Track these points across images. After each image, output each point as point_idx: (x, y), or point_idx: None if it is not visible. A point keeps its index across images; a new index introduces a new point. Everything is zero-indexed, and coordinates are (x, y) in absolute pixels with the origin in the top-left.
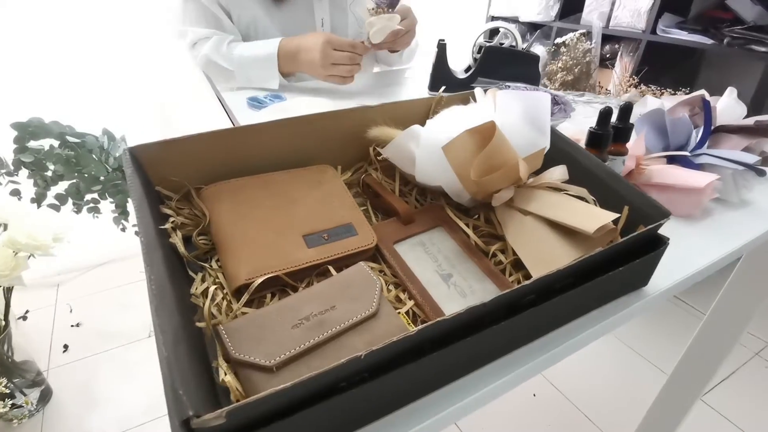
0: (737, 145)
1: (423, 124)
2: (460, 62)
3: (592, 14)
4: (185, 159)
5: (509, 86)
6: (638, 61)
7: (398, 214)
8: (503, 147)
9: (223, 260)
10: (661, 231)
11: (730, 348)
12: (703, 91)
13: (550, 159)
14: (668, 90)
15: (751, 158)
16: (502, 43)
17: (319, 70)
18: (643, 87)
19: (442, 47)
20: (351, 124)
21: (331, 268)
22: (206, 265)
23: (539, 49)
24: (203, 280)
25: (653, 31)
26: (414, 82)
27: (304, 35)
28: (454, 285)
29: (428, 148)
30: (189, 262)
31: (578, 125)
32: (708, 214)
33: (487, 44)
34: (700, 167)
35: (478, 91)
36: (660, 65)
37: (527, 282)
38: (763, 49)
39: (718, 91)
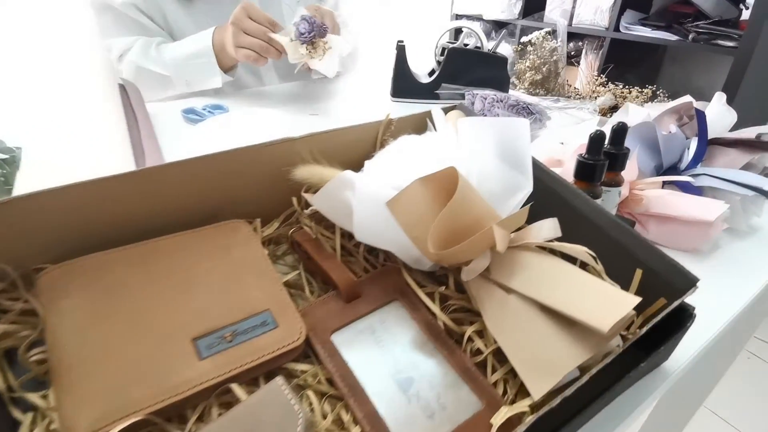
0: (736, 161)
1: (368, 158)
2: (424, 64)
3: (555, 12)
4: (30, 226)
5: (476, 93)
6: (603, 58)
7: (338, 288)
8: (471, 203)
9: (57, 397)
10: None
11: None
12: (688, 98)
13: (532, 202)
14: (635, 88)
15: (761, 180)
16: (467, 44)
17: (230, 38)
18: (611, 85)
19: (401, 49)
20: (275, 162)
21: (236, 387)
22: (39, 400)
23: (505, 48)
24: (33, 426)
25: (616, 29)
26: (377, 88)
27: None
28: (416, 397)
29: (368, 203)
30: (12, 398)
31: (554, 134)
32: (715, 246)
33: (451, 45)
34: (700, 190)
35: (436, 111)
36: (625, 62)
37: (528, 419)
38: (729, 43)
39: (682, 87)
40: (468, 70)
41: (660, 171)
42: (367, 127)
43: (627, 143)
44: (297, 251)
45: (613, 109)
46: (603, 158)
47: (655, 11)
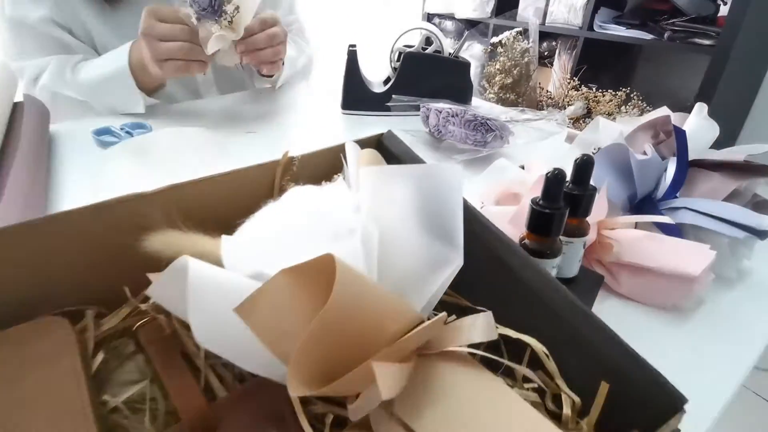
0: (720, 189)
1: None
2: (385, 71)
3: (528, 10)
4: None
5: (431, 107)
6: (577, 59)
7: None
8: (358, 306)
9: None
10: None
11: None
12: (665, 110)
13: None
14: (609, 91)
15: (754, 218)
16: (425, 48)
17: (147, 53)
18: (584, 89)
19: (351, 55)
20: (116, 227)
21: None
22: None
23: (476, 48)
24: None
25: (590, 27)
26: (330, 100)
27: None
28: None
29: (212, 300)
30: None
31: (517, 152)
32: (699, 300)
33: (407, 50)
34: (680, 231)
35: (350, 148)
36: (599, 62)
37: None
38: (707, 42)
39: (657, 87)
40: (426, 77)
41: (633, 201)
42: (257, 171)
43: (595, 168)
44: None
45: (587, 114)
46: (562, 205)
47: (629, 8)
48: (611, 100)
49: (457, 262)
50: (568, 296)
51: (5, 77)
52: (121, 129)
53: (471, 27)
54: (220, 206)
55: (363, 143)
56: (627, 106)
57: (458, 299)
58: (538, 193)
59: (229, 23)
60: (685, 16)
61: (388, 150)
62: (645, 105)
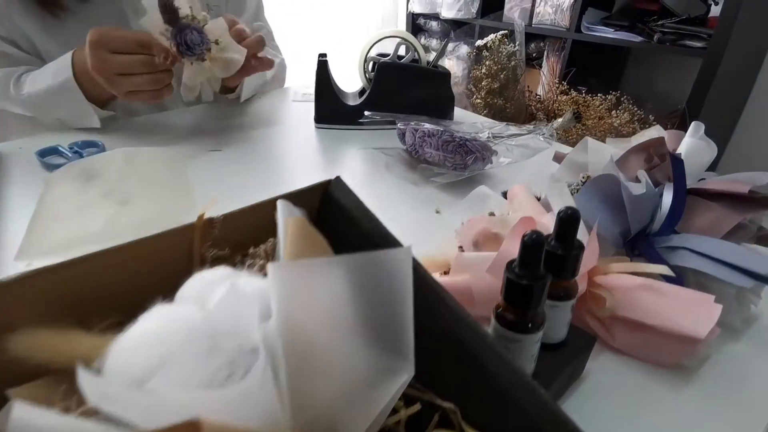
0: (723, 222)
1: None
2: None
3: (514, 11)
4: None
5: (407, 124)
6: (565, 61)
7: None
8: None
9: None
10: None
11: None
12: (659, 129)
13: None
14: (599, 95)
15: (765, 263)
16: (401, 57)
17: (108, 88)
18: (573, 93)
19: (322, 66)
20: None
21: None
22: None
23: (463, 49)
24: None
25: (578, 29)
26: (302, 111)
27: None
28: None
29: None
30: None
31: (502, 172)
32: (703, 354)
33: (381, 59)
34: (682, 276)
35: (282, 209)
36: (587, 64)
37: None
38: (698, 44)
39: (647, 88)
40: (403, 89)
41: (626, 237)
42: (169, 238)
43: (584, 200)
44: None
45: (577, 118)
46: (544, 273)
47: (617, 9)
48: (601, 104)
49: (406, 373)
50: (542, 398)
51: None
52: (70, 148)
53: (457, 27)
54: (122, 286)
55: (304, 195)
56: (618, 111)
57: (419, 391)
58: (518, 239)
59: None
60: (674, 17)
61: (337, 201)
62: (635, 109)
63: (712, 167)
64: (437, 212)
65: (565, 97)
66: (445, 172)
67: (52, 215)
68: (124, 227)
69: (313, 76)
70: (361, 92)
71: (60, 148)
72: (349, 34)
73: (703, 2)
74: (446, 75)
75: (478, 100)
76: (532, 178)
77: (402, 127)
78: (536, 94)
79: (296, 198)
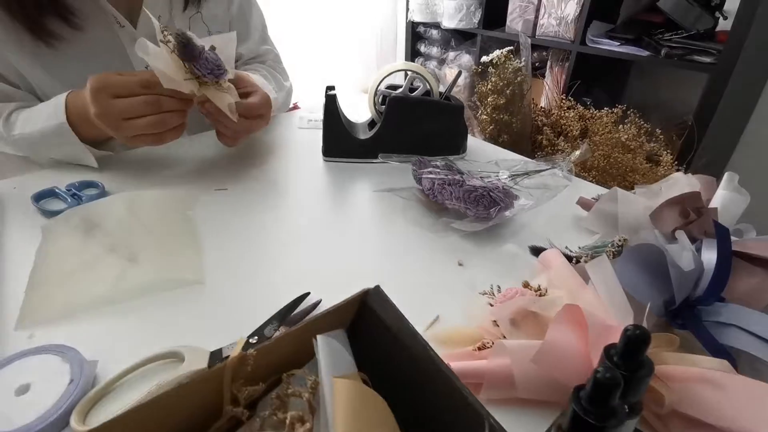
0: (766, 289)
1: None
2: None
3: (516, 23)
4: None
5: (424, 169)
6: (569, 73)
7: None
8: None
9: None
10: None
11: None
12: (690, 179)
13: None
14: (605, 109)
15: None
16: (413, 90)
17: (111, 133)
18: (580, 108)
19: (330, 100)
20: None
21: None
22: None
23: (465, 58)
24: None
25: (582, 41)
26: (309, 142)
27: None
28: None
29: None
30: None
31: (525, 218)
32: None
33: (394, 93)
34: (733, 355)
35: (322, 345)
36: (591, 76)
37: None
38: (707, 59)
39: (652, 100)
40: (415, 123)
41: (671, 307)
42: (199, 383)
43: (624, 267)
44: None
45: (584, 133)
46: (618, 406)
47: (621, 21)
48: (607, 116)
49: None
50: None
51: None
52: (68, 190)
53: (458, 36)
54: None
55: (340, 311)
56: (625, 125)
57: None
58: (562, 327)
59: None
60: (680, 29)
61: (374, 312)
62: (642, 122)
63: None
64: (459, 264)
65: (571, 112)
66: (466, 221)
67: (53, 274)
68: (131, 289)
69: (310, 93)
70: (371, 123)
71: (57, 191)
72: (346, 43)
73: (709, 15)
74: (459, 108)
75: (484, 116)
76: (554, 222)
77: (418, 170)
78: (541, 107)
79: (333, 317)
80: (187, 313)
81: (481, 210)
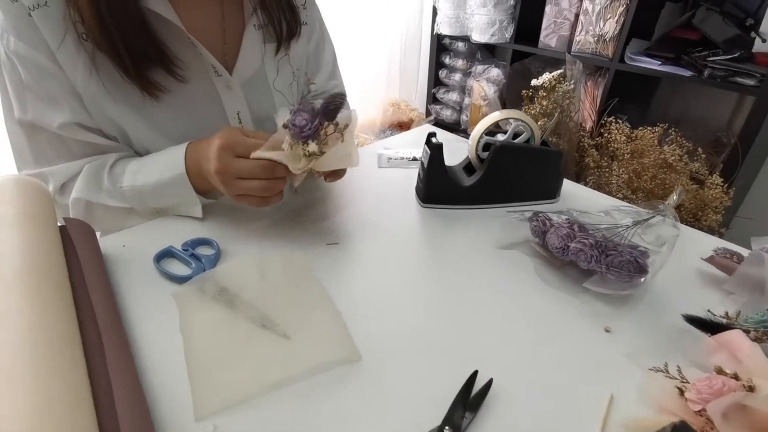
0: None
1: None
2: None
3: (551, 38)
4: None
5: (549, 226)
6: (607, 91)
7: None
8: None
9: None
10: None
11: None
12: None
13: None
14: (648, 128)
15: None
16: (516, 135)
17: (222, 188)
18: (624, 127)
19: (436, 149)
20: None
21: None
22: None
23: (493, 72)
24: None
25: (621, 59)
26: (396, 185)
27: (212, 136)
28: None
29: None
30: None
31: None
32: None
33: (499, 142)
34: None
35: None
36: (625, 92)
37: None
38: (750, 82)
39: (682, 115)
40: (515, 169)
41: None
42: None
43: None
44: None
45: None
46: None
47: (657, 38)
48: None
49: None
50: None
51: (44, 202)
52: (185, 250)
53: (484, 48)
54: None
55: None
56: (667, 143)
57: None
58: None
59: (321, 143)
60: (714, 47)
61: None
62: (683, 141)
63: None
64: (607, 331)
65: (616, 132)
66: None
67: (212, 356)
68: (297, 372)
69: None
70: (466, 167)
71: (174, 250)
72: (370, 55)
73: (744, 33)
74: (558, 154)
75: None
76: (676, 278)
77: (541, 223)
78: (581, 125)
79: None
80: (351, 391)
81: (625, 276)
